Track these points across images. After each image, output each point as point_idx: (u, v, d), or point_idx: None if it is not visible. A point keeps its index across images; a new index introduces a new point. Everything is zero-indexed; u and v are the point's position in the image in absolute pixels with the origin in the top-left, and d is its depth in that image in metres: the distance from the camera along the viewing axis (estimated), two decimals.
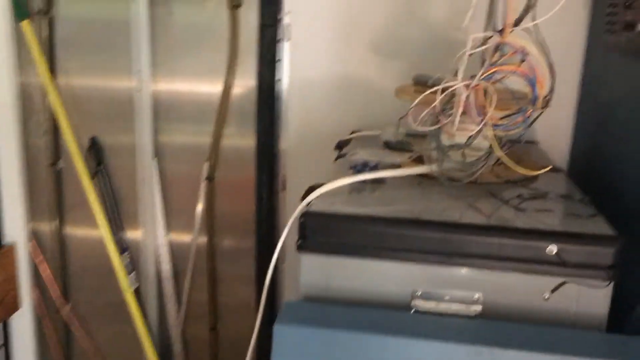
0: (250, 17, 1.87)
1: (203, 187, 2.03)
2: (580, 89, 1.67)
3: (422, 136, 1.51)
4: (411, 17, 1.77)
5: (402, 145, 1.50)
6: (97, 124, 2.06)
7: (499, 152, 1.10)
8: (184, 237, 2.11)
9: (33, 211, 2.13)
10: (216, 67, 1.92)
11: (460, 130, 1.13)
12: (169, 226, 2.10)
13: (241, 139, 1.98)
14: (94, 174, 2.07)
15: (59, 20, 1.99)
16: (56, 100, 2.00)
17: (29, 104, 2.05)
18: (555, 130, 1.70)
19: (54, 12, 1.98)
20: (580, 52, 1.65)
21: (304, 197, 1.20)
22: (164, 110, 2.00)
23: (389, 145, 1.54)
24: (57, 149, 2.10)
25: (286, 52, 1.84)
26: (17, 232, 2.09)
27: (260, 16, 1.84)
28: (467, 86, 1.06)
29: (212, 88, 1.95)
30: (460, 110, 1.06)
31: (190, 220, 2.07)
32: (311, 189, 1.22)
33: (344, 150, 1.59)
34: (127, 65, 1.96)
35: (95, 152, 2.07)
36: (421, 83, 1.49)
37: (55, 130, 2.07)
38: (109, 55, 1.99)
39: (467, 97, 1.08)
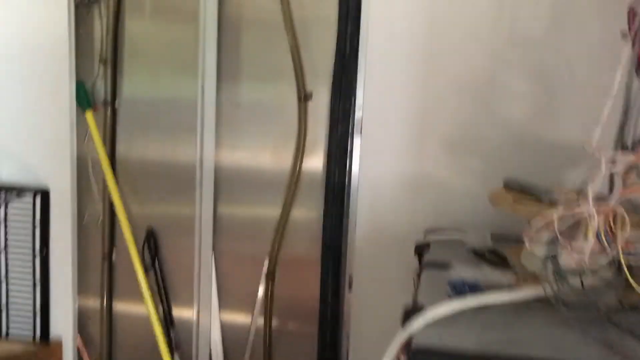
0: (320, 109, 1.81)
1: (263, 284, 1.92)
2: None
3: (511, 241, 1.40)
4: (487, 115, 1.69)
5: (494, 256, 1.38)
6: (155, 212, 1.99)
7: (632, 282, 0.98)
8: (240, 324, 1.98)
9: (82, 302, 2.04)
10: (283, 158, 1.86)
11: (582, 254, 1.01)
12: (224, 311, 1.98)
13: (306, 229, 1.88)
14: (148, 268, 1.98)
15: (122, 108, 1.96)
16: (115, 189, 1.94)
17: (86, 194, 2.00)
18: None
19: (118, 103, 1.95)
20: None
21: (403, 321, 1.08)
22: (227, 190, 1.92)
23: (478, 254, 1.42)
24: (112, 239, 2.02)
25: (357, 147, 1.77)
26: (66, 327, 1.99)
27: (331, 110, 1.78)
28: (596, 209, 0.95)
29: (278, 173, 1.87)
30: (592, 237, 0.95)
31: (248, 310, 1.95)
32: (410, 312, 1.10)
33: (427, 258, 1.47)
34: (191, 150, 1.90)
35: (151, 243, 1.99)
36: (514, 189, 1.39)
37: (111, 220, 2.00)
38: (172, 141, 1.94)
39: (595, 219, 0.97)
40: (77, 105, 1.92)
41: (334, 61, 1.77)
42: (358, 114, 1.75)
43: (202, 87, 1.85)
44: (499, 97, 1.68)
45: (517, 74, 1.66)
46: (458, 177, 1.72)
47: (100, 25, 1.92)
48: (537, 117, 1.66)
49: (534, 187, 1.36)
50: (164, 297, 1.98)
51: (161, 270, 1.99)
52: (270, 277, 1.90)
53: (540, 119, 1.66)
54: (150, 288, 1.96)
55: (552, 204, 1.26)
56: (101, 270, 2.02)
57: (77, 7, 1.87)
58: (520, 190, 1.36)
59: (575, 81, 1.62)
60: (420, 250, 1.55)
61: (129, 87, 1.95)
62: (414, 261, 1.68)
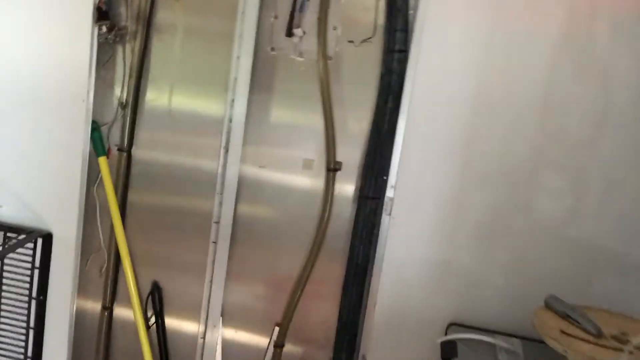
0: (348, 183, 1.74)
1: (269, 353, 1.84)
2: None
3: (541, 344, 1.34)
4: (521, 210, 1.63)
5: None
6: (163, 265, 1.89)
7: None
8: None
9: (76, 353, 1.93)
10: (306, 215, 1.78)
11: None
12: None
13: (323, 300, 1.81)
14: (150, 324, 1.89)
15: (138, 155, 1.85)
16: (122, 239, 1.84)
17: (91, 241, 1.89)
18: None
19: (134, 151, 1.85)
20: None
21: None
22: (243, 246, 1.83)
23: None
24: (114, 289, 1.92)
25: (385, 227, 1.69)
26: None
27: (360, 186, 1.71)
28: None
29: (301, 231, 1.79)
30: None
31: None
32: None
33: None
34: (208, 203, 1.81)
35: (155, 298, 1.89)
36: (556, 310, 1.34)
37: (115, 269, 1.90)
38: (189, 194, 1.84)
39: None
40: (90, 149, 1.81)
41: (369, 135, 1.69)
42: (389, 193, 1.68)
43: (227, 141, 1.76)
44: (536, 193, 1.62)
45: (556, 172, 1.60)
46: (486, 269, 1.66)
47: (122, 67, 1.81)
48: (571, 218, 1.61)
49: (577, 311, 1.31)
50: (164, 354, 1.89)
51: (164, 327, 1.89)
52: (280, 345, 1.83)
53: (574, 220, 1.61)
54: (151, 343, 1.87)
55: (599, 336, 1.21)
56: (100, 321, 1.92)
57: (99, 46, 1.76)
58: (563, 315, 1.30)
59: (613, 189, 1.57)
60: (447, 351, 1.49)
61: (147, 133, 1.84)
62: (432, 350, 1.63)
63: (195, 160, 1.81)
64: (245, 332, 1.87)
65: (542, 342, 1.32)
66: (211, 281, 1.83)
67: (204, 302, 1.85)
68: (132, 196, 1.87)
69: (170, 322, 1.90)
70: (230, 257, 1.82)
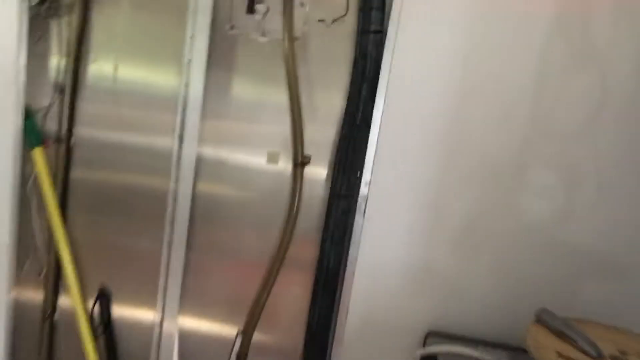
0: (318, 179, 1.56)
1: None
2: None
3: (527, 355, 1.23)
4: (506, 209, 1.50)
5: None
6: (111, 268, 1.70)
7: None
8: None
9: None
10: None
11: None
12: None
13: (290, 310, 1.65)
14: (98, 334, 1.70)
15: (79, 145, 1.64)
16: (62, 239, 1.63)
17: (27, 242, 1.68)
18: None
19: (74, 140, 1.63)
20: None
21: None
22: (200, 249, 1.65)
23: None
24: (55, 296, 1.72)
25: (358, 229, 1.53)
26: None
27: (332, 183, 1.54)
28: None
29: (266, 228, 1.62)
30: None
31: None
32: None
33: None
34: (161, 194, 1.62)
35: (103, 305, 1.70)
36: (549, 326, 1.21)
37: (56, 273, 1.70)
38: (139, 190, 1.64)
39: None
40: (23, 140, 1.58)
41: (341, 127, 1.51)
42: (363, 190, 1.51)
43: (183, 122, 1.56)
44: (523, 192, 1.48)
45: (546, 169, 1.47)
46: (468, 274, 1.53)
47: (58, 45, 1.57)
48: (560, 219, 1.48)
49: (572, 329, 1.18)
50: None
51: (112, 338, 1.71)
52: (243, 356, 1.66)
53: (564, 221, 1.48)
54: (99, 356, 1.68)
55: (599, 358, 1.09)
56: (40, 333, 1.71)
57: (30, 20, 1.51)
58: (557, 332, 1.17)
59: (607, 188, 1.45)
60: None
61: (89, 120, 1.62)
62: None
63: (145, 146, 1.61)
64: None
65: (527, 351, 1.20)
66: (165, 285, 1.65)
67: (159, 303, 1.67)
68: (73, 190, 1.66)
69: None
70: (187, 247, 1.64)
